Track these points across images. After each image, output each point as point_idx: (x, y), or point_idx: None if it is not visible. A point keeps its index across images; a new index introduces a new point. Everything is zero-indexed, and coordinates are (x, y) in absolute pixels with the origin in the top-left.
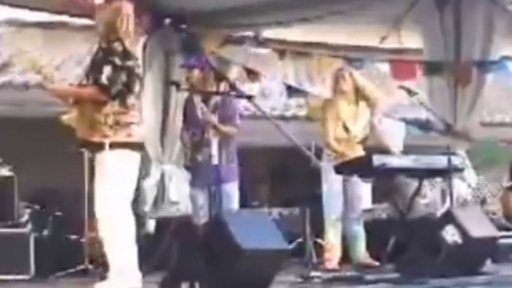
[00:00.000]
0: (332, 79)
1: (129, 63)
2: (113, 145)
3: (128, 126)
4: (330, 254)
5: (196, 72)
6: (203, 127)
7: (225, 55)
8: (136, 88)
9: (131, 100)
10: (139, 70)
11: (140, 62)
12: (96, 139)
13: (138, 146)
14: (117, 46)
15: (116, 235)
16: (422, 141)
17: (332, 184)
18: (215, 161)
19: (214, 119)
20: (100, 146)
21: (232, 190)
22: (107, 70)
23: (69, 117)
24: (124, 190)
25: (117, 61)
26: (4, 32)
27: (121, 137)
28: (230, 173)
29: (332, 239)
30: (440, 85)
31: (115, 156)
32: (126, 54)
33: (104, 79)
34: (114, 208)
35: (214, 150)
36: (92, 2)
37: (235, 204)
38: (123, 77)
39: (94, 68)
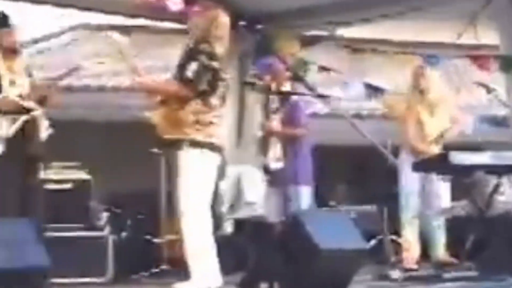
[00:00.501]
0: (412, 76)
1: (215, 64)
2: (192, 143)
3: (209, 125)
4: (408, 252)
5: (269, 73)
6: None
7: (302, 56)
8: (220, 89)
9: (214, 100)
10: (225, 74)
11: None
12: (176, 136)
13: (217, 148)
14: (205, 46)
15: (198, 234)
16: (500, 137)
17: (409, 182)
18: (280, 164)
19: (274, 126)
20: (180, 144)
21: (305, 193)
22: (193, 66)
23: (154, 113)
24: (202, 190)
25: (204, 60)
26: (80, 35)
27: (201, 136)
28: (304, 175)
29: (410, 237)
30: None
31: (194, 154)
32: (213, 56)
33: (190, 74)
34: (195, 208)
35: (278, 153)
36: (165, 5)
37: (306, 206)
38: (209, 76)
39: (181, 67)
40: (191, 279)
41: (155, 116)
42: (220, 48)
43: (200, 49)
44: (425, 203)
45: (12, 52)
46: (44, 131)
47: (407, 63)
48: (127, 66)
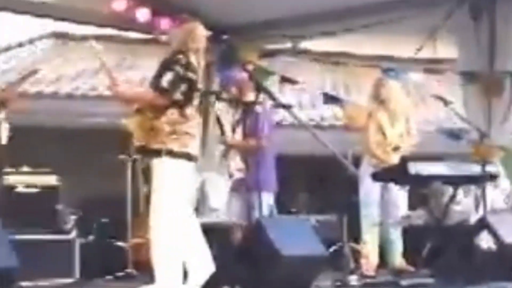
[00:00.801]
0: (373, 87)
1: (191, 75)
2: (168, 153)
3: (184, 135)
4: (367, 259)
5: (235, 84)
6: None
7: (263, 66)
8: (195, 100)
9: (189, 110)
10: (200, 85)
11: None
12: (154, 146)
13: (193, 157)
14: (181, 57)
15: (167, 241)
16: (457, 149)
17: (369, 191)
18: (238, 175)
19: (233, 139)
20: (157, 153)
21: (267, 199)
22: (168, 76)
23: (130, 121)
24: (176, 197)
25: (180, 70)
26: (52, 44)
27: (176, 146)
28: (266, 182)
29: (369, 245)
30: (474, 95)
31: (170, 164)
32: (189, 66)
33: (165, 84)
34: (166, 214)
35: (239, 164)
36: (134, 16)
37: (267, 212)
38: (184, 87)
39: (157, 77)
40: (157, 283)
41: (130, 124)
42: (196, 60)
43: (175, 59)
44: (384, 212)
45: None
46: (4, 134)
47: (367, 76)
48: (105, 74)
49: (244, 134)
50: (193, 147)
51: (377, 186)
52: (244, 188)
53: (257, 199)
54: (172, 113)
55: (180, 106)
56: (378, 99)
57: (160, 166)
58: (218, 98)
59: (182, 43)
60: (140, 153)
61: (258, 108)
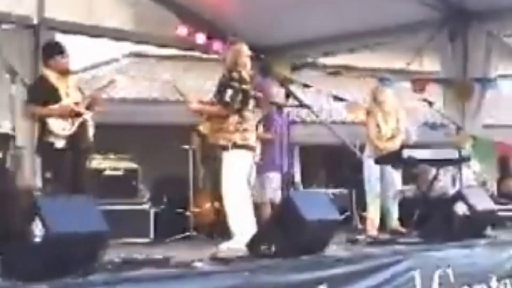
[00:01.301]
0: (372, 92)
1: (245, 86)
2: (233, 146)
3: (245, 132)
4: (371, 223)
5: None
6: None
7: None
8: (250, 105)
9: (247, 113)
10: (252, 92)
11: None
12: (222, 142)
13: (251, 148)
14: (235, 74)
15: (239, 210)
16: (438, 138)
17: (371, 172)
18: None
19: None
20: (225, 147)
21: (276, 177)
22: (229, 92)
23: (204, 127)
24: (243, 179)
25: (236, 85)
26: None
27: (239, 139)
28: (275, 165)
29: (372, 213)
30: (452, 97)
31: (236, 154)
32: (242, 80)
33: (227, 98)
34: (235, 191)
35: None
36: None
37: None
38: (241, 97)
39: (219, 91)
40: (234, 239)
41: (203, 129)
42: (246, 73)
43: (231, 77)
44: (383, 187)
45: (65, 73)
46: (91, 130)
47: (366, 84)
48: (180, 95)
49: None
50: (252, 139)
51: (377, 167)
52: (259, 169)
53: (266, 178)
54: (234, 118)
55: (239, 111)
56: (376, 101)
57: (228, 156)
58: (258, 104)
59: (233, 61)
60: (212, 148)
61: (273, 111)
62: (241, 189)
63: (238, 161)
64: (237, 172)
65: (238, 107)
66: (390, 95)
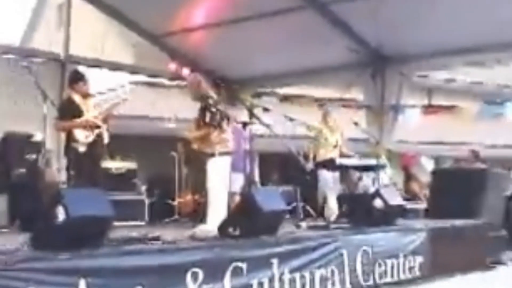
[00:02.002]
0: (322, 115)
1: (219, 107)
2: (220, 154)
3: (225, 142)
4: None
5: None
6: None
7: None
8: (226, 121)
9: (224, 126)
10: (226, 111)
11: None
12: (207, 150)
13: (229, 153)
14: (210, 100)
15: (219, 201)
16: (362, 150)
17: (321, 174)
18: None
19: None
20: (211, 154)
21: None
22: (208, 114)
23: (191, 136)
24: (224, 178)
25: (213, 109)
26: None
27: (220, 148)
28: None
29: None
30: (373, 119)
31: (218, 159)
32: (216, 103)
33: (208, 119)
34: (218, 188)
35: None
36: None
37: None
38: (218, 115)
39: (201, 114)
40: (210, 222)
41: (192, 138)
42: (216, 98)
43: (208, 103)
44: (329, 185)
45: (86, 95)
46: (106, 139)
47: (312, 108)
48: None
49: None
50: (229, 147)
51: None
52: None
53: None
54: (216, 131)
55: (220, 126)
56: (325, 121)
57: (213, 161)
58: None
59: (198, 90)
60: (194, 154)
61: (236, 126)
62: (221, 186)
63: (220, 164)
64: (219, 173)
65: (219, 123)
66: (333, 117)
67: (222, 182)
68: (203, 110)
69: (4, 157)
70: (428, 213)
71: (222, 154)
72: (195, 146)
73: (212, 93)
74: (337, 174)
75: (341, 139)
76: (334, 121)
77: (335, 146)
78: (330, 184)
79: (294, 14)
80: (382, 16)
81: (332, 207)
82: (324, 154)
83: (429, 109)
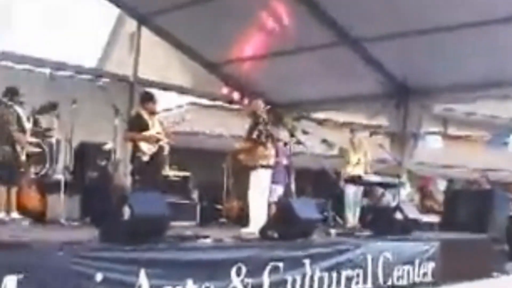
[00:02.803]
0: (350, 138)
1: (267, 127)
2: (262, 167)
3: (267, 157)
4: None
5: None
6: None
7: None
8: (270, 140)
9: (268, 145)
10: (271, 132)
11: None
12: (252, 163)
13: (270, 167)
14: (260, 120)
15: (260, 208)
16: (385, 170)
17: (347, 188)
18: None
19: None
20: (255, 167)
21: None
22: (256, 132)
23: (239, 148)
24: (265, 189)
25: (261, 127)
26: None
27: (264, 162)
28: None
29: (347, 215)
30: (396, 143)
31: (262, 172)
32: (265, 124)
33: (255, 136)
34: (261, 197)
35: None
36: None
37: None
38: (264, 134)
39: (250, 131)
40: (250, 226)
41: (240, 152)
42: (265, 119)
43: (258, 122)
44: (355, 199)
45: (153, 113)
46: (166, 151)
47: (342, 132)
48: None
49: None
50: (271, 162)
51: (352, 186)
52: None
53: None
54: (262, 147)
55: (265, 143)
56: (351, 142)
57: (256, 173)
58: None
59: (255, 111)
60: (246, 168)
61: (279, 145)
62: (262, 195)
63: (262, 176)
64: (261, 184)
65: (263, 141)
66: (360, 139)
67: (262, 192)
68: (252, 127)
69: (80, 163)
70: (441, 227)
71: (263, 167)
72: (241, 157)
73: (264, 115)
74: (360, 189)
75: (364, 158)
76: (358, 141)
77: (357, 164)
78: (350, 198)
79: (330, 49)
80: (406, 53)
81: (350, 218)
82: (350, 171)
83: (445, 137)
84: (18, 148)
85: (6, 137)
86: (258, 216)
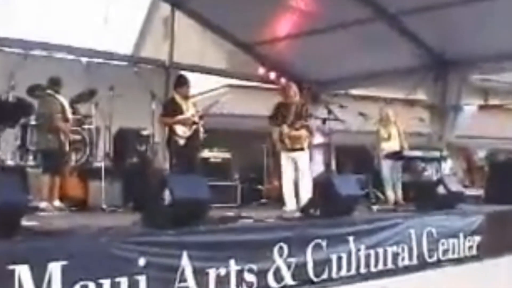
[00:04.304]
0: (382, 111)
1: (303, 108)
2: (305, 149)
3: (310, 137)
4: (386, 197)
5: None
6: None
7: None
8: (305, 121)
9: (309, 124)
10: (306, 113)
11: None
12: (299, 146)
13: (307, 149)
14: (304, 108)
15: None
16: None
17: (384, 164)
18: None
19: None
20: (301, 149)
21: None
22: (291, 116)
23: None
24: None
25: (293, 109)
26: (225, 91)
27: (307, 143)
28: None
29: (387, 190)
30: (435, 116)
31: (306, 154)
32: (301, 106)
33: (289, 121)
34: (307, 175)
35: None
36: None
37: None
38: (304, 114)
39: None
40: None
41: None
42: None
43: (291, 104)
44: (393, 174)
45: (186, 97)
46: (202, 133)
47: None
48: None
49: None
50: (313, 141)
51: (388, 161)
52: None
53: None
54: (304, 131)
55: (307, 126)
56: (380, 117)
57: (304, 154)
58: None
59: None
60: (292, 150)
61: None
62: (304, 177)
63: (307, 158)
64: (307, 165)
65: (304, 121)
66: (387, 113)
67: (305, 171)
68: (294, 109)
69: (119, 148)
70: (486, 199)
71: (297, 150)
72: (286, 140)
73: (296, 98)
74: (397, 164)
75: (395, 132)
76: (386, 115)
77: (388, 138)
78: (386, 173)
79: (366, 25)
80: (444, 25)
81: (389, 194)
82: (384, 146)
83: (486, 108)
84: (62, 137)
85: (51, 127)
86: (302, 194)
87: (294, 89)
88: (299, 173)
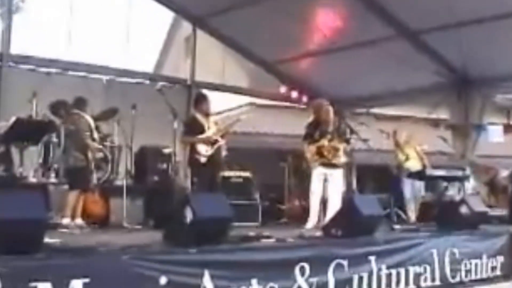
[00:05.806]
0: (392, 136)
1: (333, 125)
2: (340, 166)
3: (335, 155)
4: (407, 216)
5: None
6: None
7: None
8: (338, 137)
9: (336, 143)
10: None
11: None
12: (336, 160)
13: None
14: (322, 119)
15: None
16: (447, 162)
17: (406, 183)
18: None
19: None
20: (336, 166)
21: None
22: (317, 132)
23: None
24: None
25: (324, 127)
26: (247, 109)
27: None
28: None
29: (409, 210)
30: (458, 136)
31: (341, 171)
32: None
33: (317, 136)
34: (339, 193)
35: None
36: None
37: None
38: (327, 134)
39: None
40: (309, 222)
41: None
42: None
43: (319, 120)
44: (414, 193)
45: (207, 114)
46: (224, 152)
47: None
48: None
49: None
50: (340, 160)
51: (409, 180)
52: None
53: None
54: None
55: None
56: (394, 141)
57: (339, 171)
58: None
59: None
60: (327, 165)
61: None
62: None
63: (341, 175)
64: (340, 183)
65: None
66: (397, 138)
67: (339, 189)
68: (315, 127)
69: (141, 167)
70: (510, 219)
71: (343, 166)
72: (325, 152)
73: (325, 115)
74: (417, 184)
75: (413, 152)
76: (397, 142)
77: (406, 159)
78: (408, 193)
79: (387, 43)
80: (467, 43)
81: (409, 213)
82: (405, 166)
83: (509, 127)
84: (90, 155)
85: (79, 145)
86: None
87: (326, 107)
88: (328, 191)
